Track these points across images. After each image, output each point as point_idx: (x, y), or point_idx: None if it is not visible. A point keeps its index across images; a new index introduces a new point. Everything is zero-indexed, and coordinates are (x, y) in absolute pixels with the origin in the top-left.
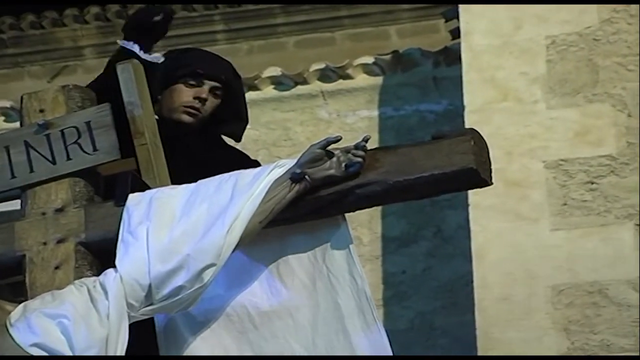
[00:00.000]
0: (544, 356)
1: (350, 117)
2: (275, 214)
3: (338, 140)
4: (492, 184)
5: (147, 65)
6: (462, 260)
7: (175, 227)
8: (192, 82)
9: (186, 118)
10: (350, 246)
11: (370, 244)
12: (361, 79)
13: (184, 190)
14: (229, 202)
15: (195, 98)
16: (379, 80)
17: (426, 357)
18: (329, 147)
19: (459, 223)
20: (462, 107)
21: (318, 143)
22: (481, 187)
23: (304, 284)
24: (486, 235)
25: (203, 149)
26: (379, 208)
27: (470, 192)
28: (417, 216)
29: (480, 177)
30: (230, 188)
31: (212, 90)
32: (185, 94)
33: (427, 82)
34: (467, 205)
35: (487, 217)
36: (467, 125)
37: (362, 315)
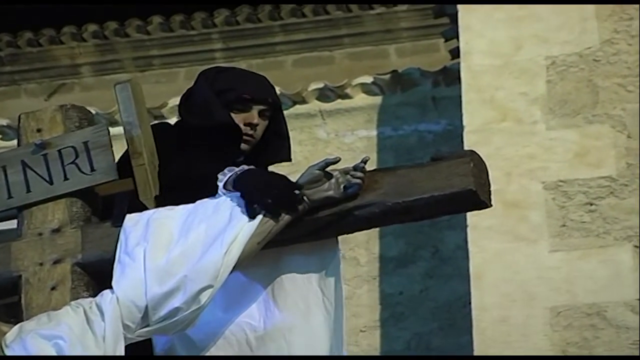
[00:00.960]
0: (542, 356)
1: (348, 136)
2: (274, 235)
3: (337, 162)
4: (491, 205)
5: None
6: (460, 281)
7: (173, 248)
8: (240, 108)
9: (243, 146)
10: (340, 270)
11: (367, 264)
12: (360, 99)
13: (182, 211)
14: (227, 223)
15: (246, 125)
16: (377, 99)
17: (426, 357)
18: (328, 168)
19: (457, 244)
20: (462, 127)
21: (317, 164)
22: (481, 208)
23: (298, 306)
24: (484, 256)
25: None
26: (377, 229)
27: (469, 213)
28: (415, 236)
29: (479, 199)
30: (228, 209)
31: (260, 113)
32: (237, 120)
33: (426, 102)
34: (466, 226)
35: (486, 238)
36: (466, 146)
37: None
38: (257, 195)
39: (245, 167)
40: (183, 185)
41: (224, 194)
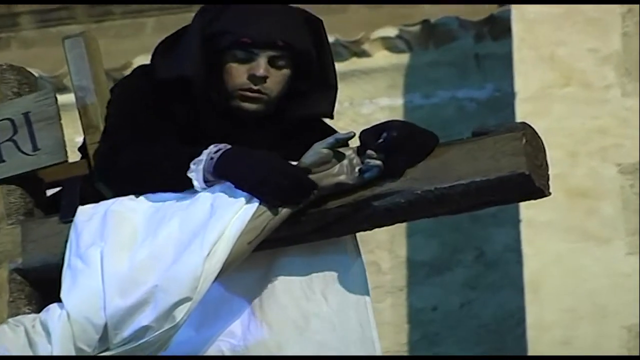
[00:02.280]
0: (543, 356)
1: (366, 106)
2: (269, 232)
3: (350, 138)
4: (549, 194)
5: None
6: (512, 293)
7: (138, 249)
8: (243, 56)
9: (247, 106)
10: (362, 277)
11: (391, 271)
12: (381, 57)
13: (149, 201)
14: (209, 217)
15: (250, 78)
16: (404, 58)
17: (426, 357)
18: (339, 147)
19: (507, 244)
20: (513, 94)
21: (324, 141)
22: (535, 198)
23: (295, 322)
24: (542, 261)
25: (278, 145)
26: (403, 225)
27: (521, 204)
28: (452, 236)
29: (534, 185)
30: (210, 199)
31: (271, 61)
32: (237, 74)
33: (466, 61)
34: (518, 221)
35: (544, 237)
36: (518, 117)
37: None
38: (248, 181)
39: (222, 145)
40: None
41: (204, 189)
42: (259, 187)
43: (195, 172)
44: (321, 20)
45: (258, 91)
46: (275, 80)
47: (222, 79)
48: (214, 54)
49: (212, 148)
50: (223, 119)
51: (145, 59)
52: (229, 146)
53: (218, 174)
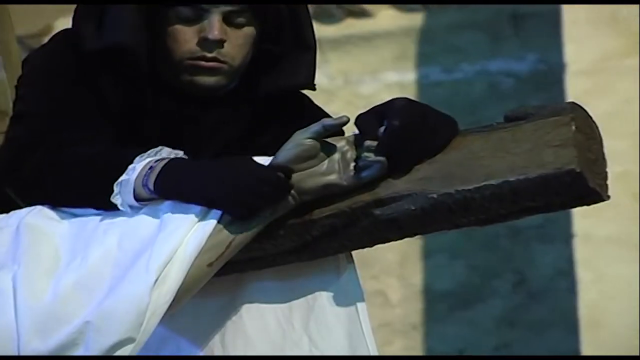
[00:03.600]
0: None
1: (367, 83)
2: (235, 251)
3: (343, 124)
4: (608, 198)
5: None
6: (563, 332)
7: (63, 275)
8: (188, 14)
9: (201, 80)
10: (359, 306)
11: (402, 304)
12: (386, 18)
13: (75, 212)
14: (158, 231)
15: (201, 42)
16: (416, 19)
17: (427, 357)
18: (328, 136)
19: (556, 267)
20: (562, 66)
21: (308, 129)
22: (590, 203)
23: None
24: (603, 289)
25: (247, 130)
26: (417, 242)
27: (575, 213)
28: (484, 255)
29: (587, 186)
30: (159, 208)
31: (228, 18)
32: (183, 38)
33: (500, 23)
34: (571, 236)
35: (605, 258)
36: (568, 97)
37: None
38: (202, 197)
39: (166, 151)
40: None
41: (137, 207)
42: (217, 201)
43: (121, 195)
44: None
45: (214, 59)
46: (236, 43)
47: (165, 46)
48: (154, 14)
49: (148, 157)
50: (171, 98)
51: (69, 22)
52: (173, 153)
53: (161, 192)
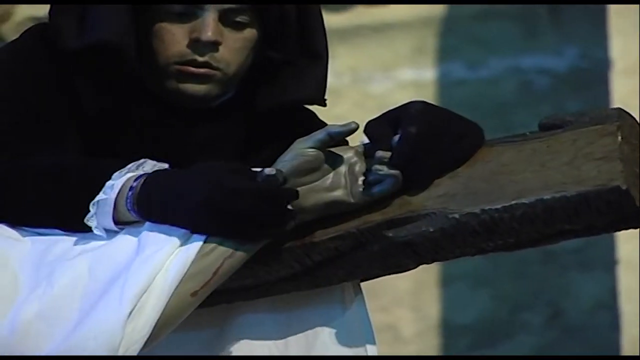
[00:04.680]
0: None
1: (378, 81)
2: (223, 278)
3: (351, 132)
4: None
5: None
6: None
7: (23, 305)
8: (179, 11)
9: (189, 88)
10: (369, 348)
11: (416, 339)
12: (402, 7)
13: (38, 232)
14: (134, 255)
15: (192, 44)
16: (437, 8)
17: (428, 357)
18: (334, 146)
19: (597, 298)
20: (607, 64)
21: (311, 137)
22: (638, 226)
23: None
24: None
25: (242, 147)
26: (435, 268)
27: (619, 237)
28: (513, 285)
29: (634, 205)
30: (136, 232)
31: (225, 17)
32: (172, 39)
33: (535, 12)
34: (613, 262)
35: None
36: (613, 101)
37: None
38: (191, 217)
39: (149, 164)
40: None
41: (118, 230)
42: (202, 226)
43: (97, 217)
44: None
45: (205, 64)
46: (233, 46)
47: (150, 47)
48: (139, 9)
49: (129, 171)
50: (154, 108)
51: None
52: (157, 166)
53: (143, 215)
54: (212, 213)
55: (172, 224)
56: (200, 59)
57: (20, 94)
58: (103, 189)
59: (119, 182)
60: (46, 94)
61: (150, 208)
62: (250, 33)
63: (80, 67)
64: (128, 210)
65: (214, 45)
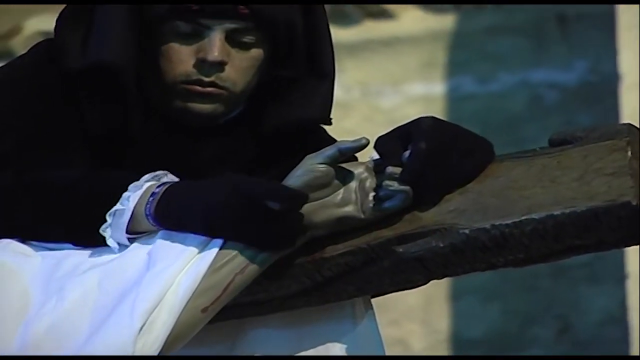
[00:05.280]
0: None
1: (388, 96)
2: (234, 294)
3: (362, 148)
4: None
5: None
6: None
7: (34, 319)
8: (185, 30)
9: (196, 107)
10: (373, 336)
11: (427, 353)
12: (411, 20)
13: (48, 247)
14: (145, 271)
15: (198, 64)
16: (447, 22)
17: (427, 357)
18: (344, 162)
19: (607, 311)
20: (616, 78)
21: (321, 152)
22: None
23: None
24: None
25: (249, 167)
26: (444, 284)
27: (629, 252)
28: (522, 298)
29: None
30: (146, 244)
31: (232, 37)
32: (179, 58)
33: (544, 27)
34: (623, 276)
35: None
36: (623, 116)
37: None
38: (207, 217)
39: (166, 176)
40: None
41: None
42: (218, 224)
43: (112, 227)
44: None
45: (212, 84)
46: (239, 66)
47: (157, 66)
48: (146, 29)
49: (146, 181)
50: (160, 127)
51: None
52: (171, 177)
53: (161, 222)
54: (228, 214)
55: (188, 230)
56: (206, 79)
57: (26, 108)
58: (120, 200)
59: (139, 192)
60: (52, 110)
61: (168, 213)
62: (256, 53)
63: (84, 86)
64: (146, 216)
65: (220, 66)
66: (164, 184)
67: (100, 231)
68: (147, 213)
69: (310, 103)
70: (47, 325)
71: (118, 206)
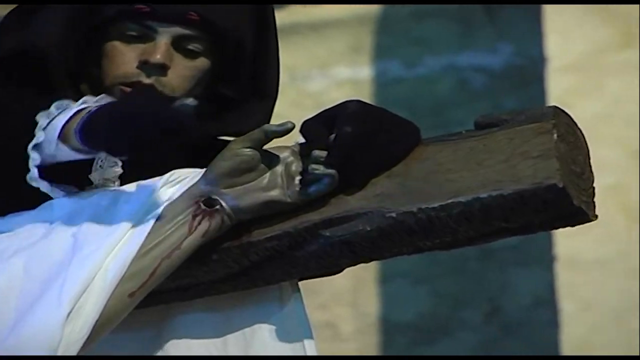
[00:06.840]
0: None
1: (315, 79)
2: (161, 278)
3: (288, 132)
4: (596, 217)
5: None
6: None
7: None
8: (134, 33)
9: None
10: (306, 343)
11: (356, 337)
12: (337, 5)
13: None
14: (72, 254)
15: (141, 65)
16: (372, 7)
17: (427, 357)
18: (269, 144)
19: (535, 295)
20: (542, 61)
21: (246, 137)
22: (575, 224)
23: None
24: (591, 321)
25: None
26: (373, 267)
27: (557, 234)
28: (451, 282)
29: (571, 203)
30: (72, 226)
31: (178, 43)
32: (122, 59)
33: (470, 11)
34: (552, 258)
35: (593, 285)
36: (549, 98)
37: None
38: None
39: (91, 100)
40: None
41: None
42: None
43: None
44: (272, 3)
45: (150, 87)
46: (181, 73)
47: (99, 67)
48: (95, 31)
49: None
50: None
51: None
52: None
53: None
54: (115, 116)
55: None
56: (145, 80)
57: None
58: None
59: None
60: None
61: (100, 137)
62: (202, 63)
63: (14, 73)
64: (75, 133)
65: (162, 69)
66: (85, 105)
67: (29, 150)
68: (75, 129)
69: (248, 121)
70: None
71: (43, 115)
